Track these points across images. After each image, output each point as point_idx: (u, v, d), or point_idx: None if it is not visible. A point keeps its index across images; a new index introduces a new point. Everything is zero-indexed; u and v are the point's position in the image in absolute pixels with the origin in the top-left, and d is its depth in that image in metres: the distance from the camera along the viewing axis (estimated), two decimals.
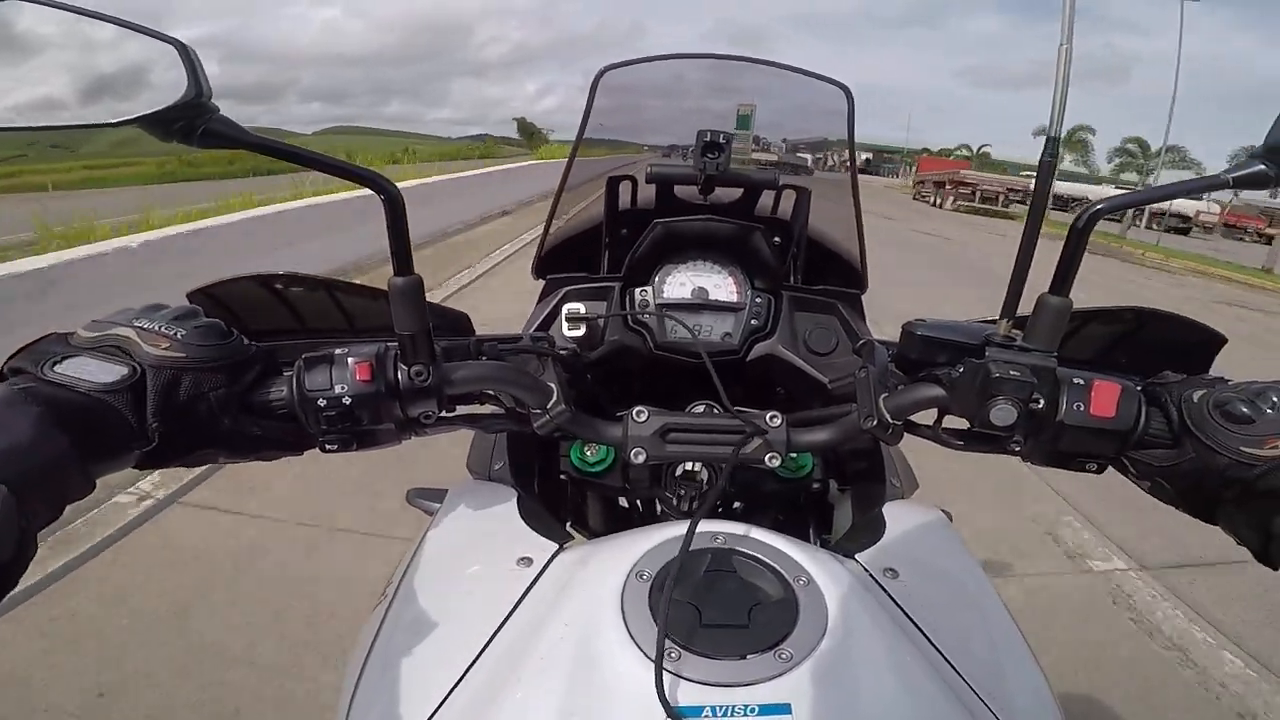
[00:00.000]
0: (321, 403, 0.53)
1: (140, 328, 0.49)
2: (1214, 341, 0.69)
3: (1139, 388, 0.55)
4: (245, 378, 0.53)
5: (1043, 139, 0.52)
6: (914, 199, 30.61)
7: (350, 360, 0.53)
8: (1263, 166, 0.48)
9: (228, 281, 0.66)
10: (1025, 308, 0.54)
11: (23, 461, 0.38)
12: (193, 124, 0.45)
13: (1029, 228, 0.52)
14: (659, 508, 0.85)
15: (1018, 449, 0.57)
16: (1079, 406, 0.53)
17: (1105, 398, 0.53)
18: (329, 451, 0.56)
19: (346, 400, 0.53)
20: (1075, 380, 0.53)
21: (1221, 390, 0.52)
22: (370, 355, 0.54)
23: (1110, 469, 0.58)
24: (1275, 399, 0.49)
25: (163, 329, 0.49)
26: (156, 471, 1.45)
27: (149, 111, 0.44)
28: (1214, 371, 0.62)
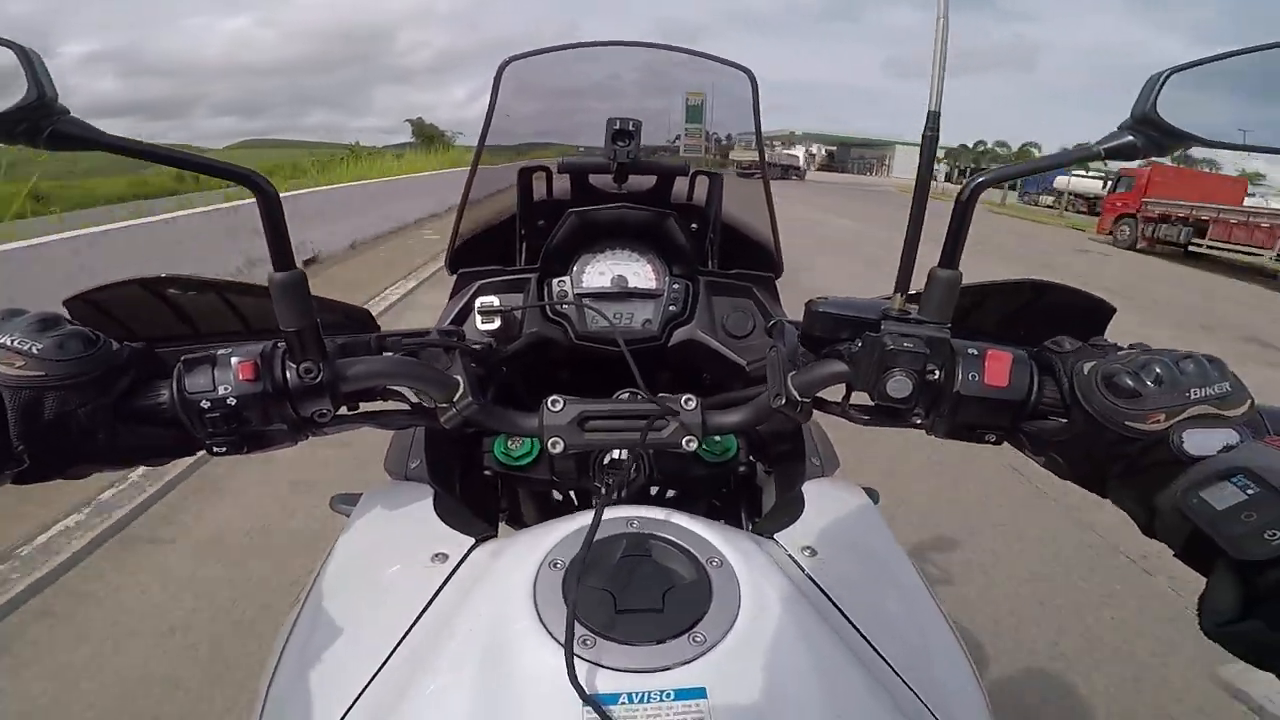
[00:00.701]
0: (204, 405, 0.51)
1: None
2: (1105, 310, 0.71)
3: (1030, 357, 0.56)
4: (117, 386, 0.50)
5: None
6: (1138, 249, 14.51)
7: (233, 360, 0.51)
8: (1131, 137, 0.50)
9: (109, 287, 0.62)
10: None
11: None
12: (38, 125, 0.43)
13: (916, 204, 0.53)
14: (593, 498, 0.85)
15: (919, 421, 0.58)
16: (974, 376, 0.54)
17: (998, 367, 0.54)
18: (217, 454, 0.54)
19: (231, 401, 0.51)
20: (970, 350, 0.54)
21: (1110, 361, 0.52)
22: (254, 354, 0.52)
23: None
24: (1159, 371, 0.49)
25: (16, 343, 0.46)
26: None
27: None
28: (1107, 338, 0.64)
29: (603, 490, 0.78)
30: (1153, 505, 0.48)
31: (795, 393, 0.60)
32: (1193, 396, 0.47)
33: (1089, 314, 0.72)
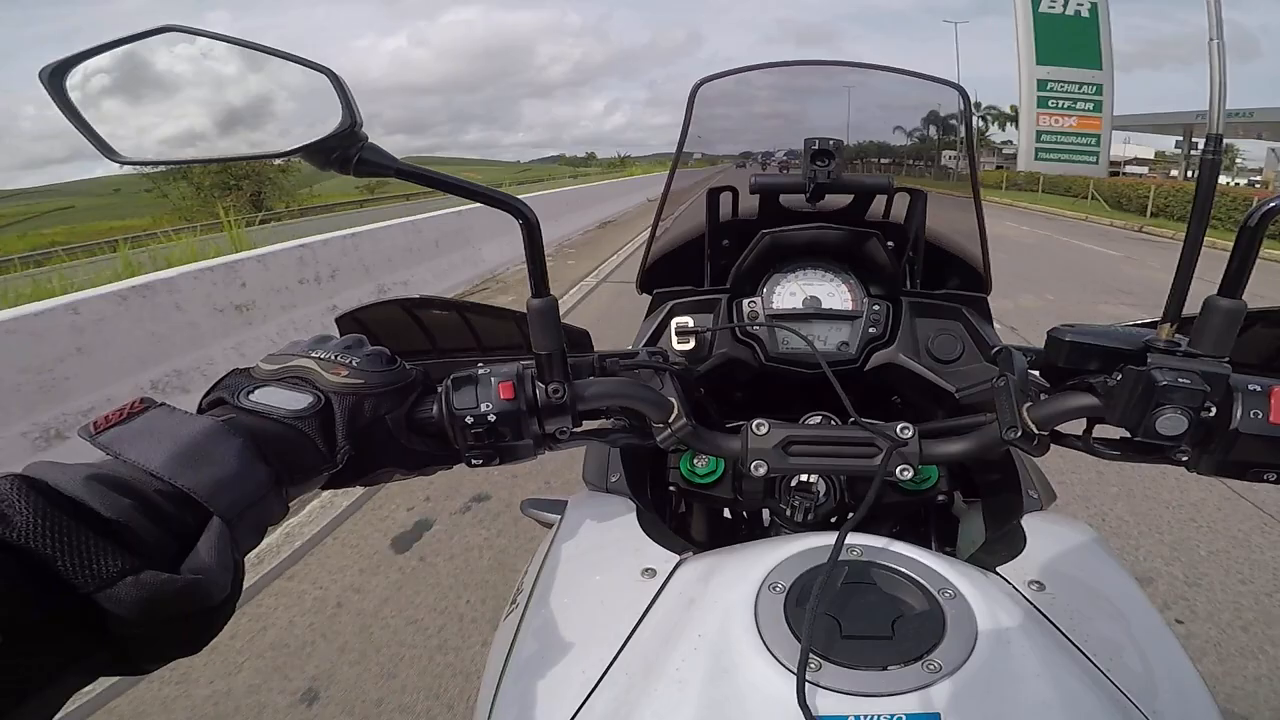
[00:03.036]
0: (469, 420, 0.55)
1: (318, 358, 0.52)
2: None
3: None
4: (410, 399, 0.56)
5: None
6: None
7: (494, 380, 0.56)
8: None
9: (372, 306, 0.70)
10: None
11: (233, 492, 0.40)
12: (348, 153, 0.47)
13: (1193, 228, 0.49)
14: (765, 518, 0.85)
15: (1184, 459, 0.54)
16: (1257, 414, 0.49)
17: None
18: (474, 466, 0.58)
19: (491, 418, 0.55)
20: (1251, 387, 0.50)
21: None
22: (512, 374, 0.56)
23: None
24: None
25: (338, 358, 0.52)
26: None
27: (311, 141, 0.46)
28: None
29: (788, 512, 0.77)
30: None
31: (1032, 425, 0.56)
32: None
33: None
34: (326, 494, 2.84)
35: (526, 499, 1.02)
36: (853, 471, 0.65)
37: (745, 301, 0.92)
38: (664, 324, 0.89)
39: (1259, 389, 0.50)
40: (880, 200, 0.95)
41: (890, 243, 0.92)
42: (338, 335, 0.59)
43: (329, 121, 0.46)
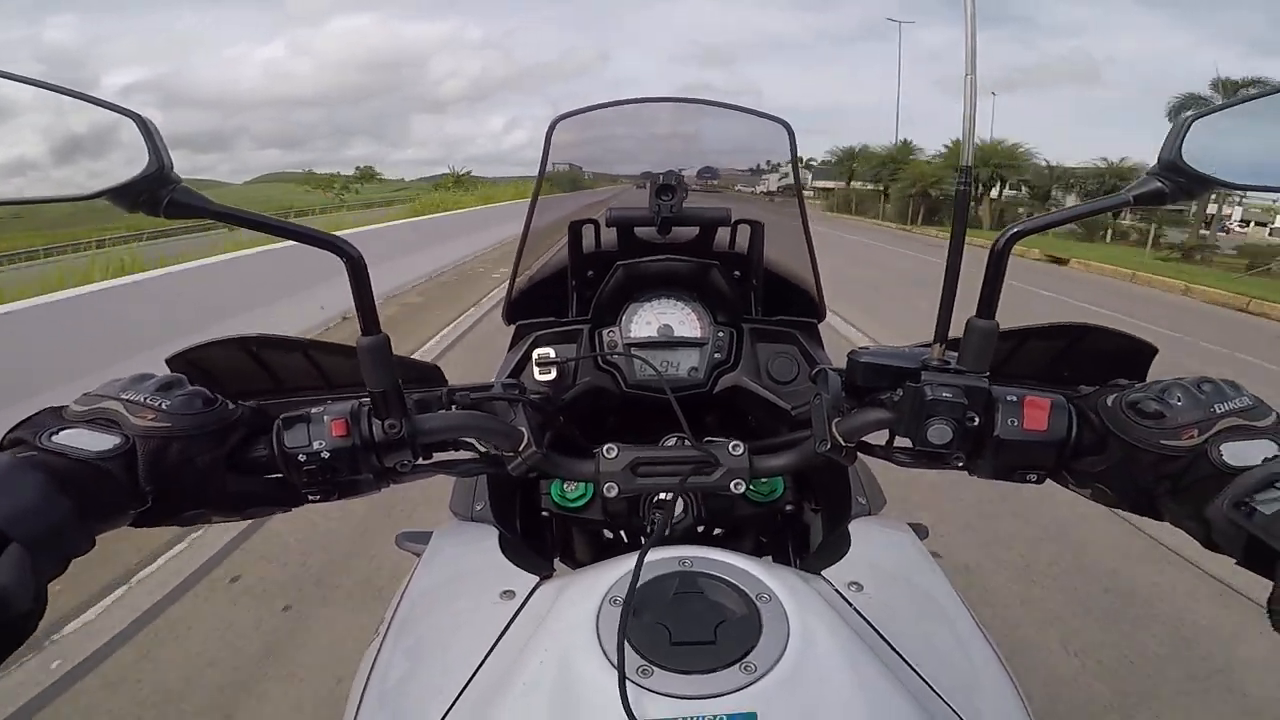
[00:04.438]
0: (302, 458, 0.55)
1: (127, 400, 0.51)
2: (1147, 351, 0.71)
3: (1069, 401, 0.58)
4: (230, 441, 0.55)
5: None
6: None
7: (326, 418, 0.56)
8: (1159, 184, 0.52)
9: (205, 345, 0.67)
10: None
11: (32, 522, 0.41)
12: (156, 195, 0.46)
13: (952, 255, 0.54)
14: (642, 537, 0.87)
15: (960, 464, 0.60)
16: (1013, 422, 0.56)
17: (1037, 413, 0.56)
18: (312, 502, 0.59)
19: (325, 455, 0.56)
20: (1009, 398, 0.56)
21: (1131, 391, 0.55)
22: (345, 412, 0.57)
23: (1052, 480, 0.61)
24: (1180, 394, 0.52)
25: (148, 400, 0.52)
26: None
27: (114, 185, 0.46)
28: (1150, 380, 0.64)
29: (649, 529, 0.81)
30: (1206, 519, 0.49)
31: (840, 438, 0.62)
32: (1219, 411, 0.50)
33: (1130, 355, 0.72)
34: None
35: (401, 532, 1.01)
36: (694, 488, 0.69)
37: (605, 331, 0.95)
38: (526, 355, 0.91)
39: (1015, 399, 0.56)
40: (728, 230, 1.00)
41: (736, 272, 0.98)
42: (166, 372, 0.58)
43: (137, 165, 0.46)
